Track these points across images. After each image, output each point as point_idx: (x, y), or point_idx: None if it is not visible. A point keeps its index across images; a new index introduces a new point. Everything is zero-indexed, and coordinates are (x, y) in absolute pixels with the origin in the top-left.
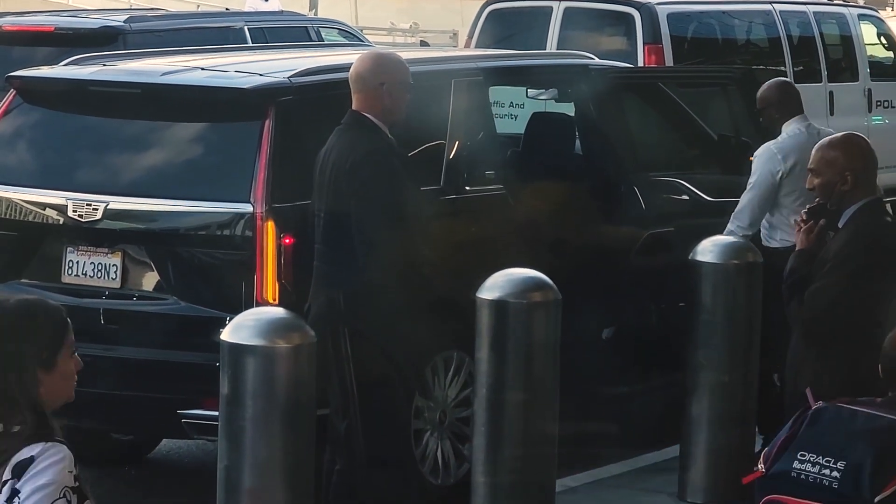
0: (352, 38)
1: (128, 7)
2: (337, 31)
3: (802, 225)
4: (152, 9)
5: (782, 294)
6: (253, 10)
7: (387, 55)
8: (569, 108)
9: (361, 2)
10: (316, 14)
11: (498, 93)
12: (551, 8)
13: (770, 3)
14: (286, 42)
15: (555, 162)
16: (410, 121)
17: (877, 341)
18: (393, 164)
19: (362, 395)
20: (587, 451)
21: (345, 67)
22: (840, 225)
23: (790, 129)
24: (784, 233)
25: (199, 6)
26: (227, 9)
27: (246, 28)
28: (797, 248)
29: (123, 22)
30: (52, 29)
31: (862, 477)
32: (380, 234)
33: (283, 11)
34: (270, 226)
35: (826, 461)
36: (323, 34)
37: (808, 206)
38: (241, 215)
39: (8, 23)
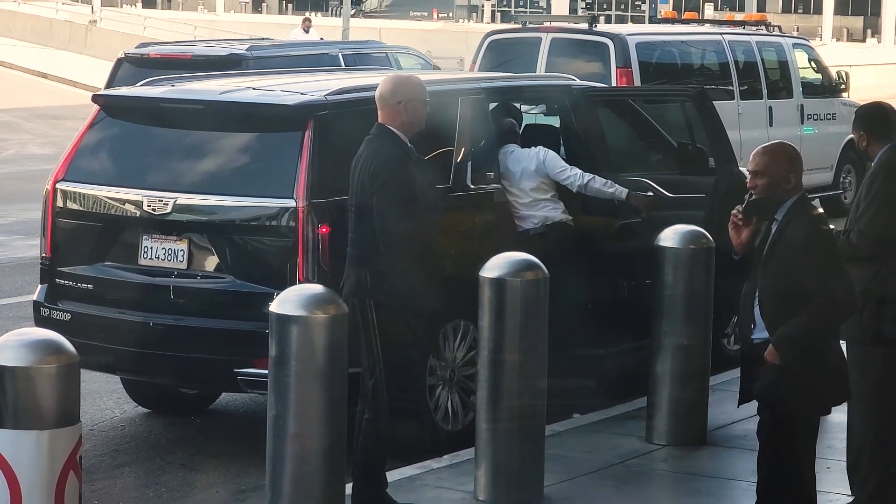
0: (423, 61)
1: (247, 38)
2: (413, 56)
3: (738, 220)
4: (263, 39)
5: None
6: (296, 40)
7: (406, 78)
8: (555, 121)
9: (385, 33)
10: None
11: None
12: (540, 38)
13: (720, 34)
14: (371, 66)
15: None
16: (426, 130)
17: None
18: (408, 167)
19: (386, 357)
20: (571, 402)
21: (371, 87)
22: (778, 216)
23: None
24: None
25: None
26: (321, 38)
27: (340, 54)
28: (734, 243)
29: (245, 50)
30: (190, 56)
31: None
32: (396, 225)
33: (323, 39)
34: (310, 218)
35: None
36: (400, 59)
37: (746, 202)
38: (286, 209)
39: (154, 51)
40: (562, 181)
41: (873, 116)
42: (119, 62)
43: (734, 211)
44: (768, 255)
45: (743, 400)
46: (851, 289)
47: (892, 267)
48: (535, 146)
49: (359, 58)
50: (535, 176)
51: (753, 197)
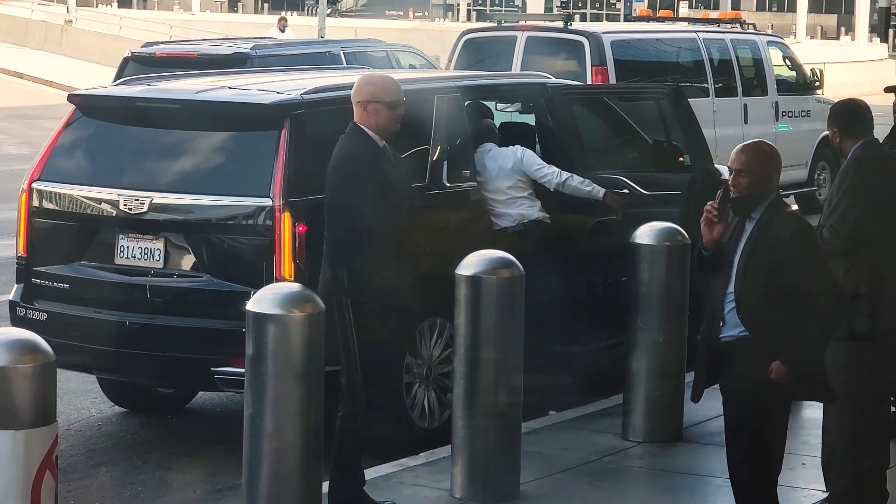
0: (423, 60)
1: (250, 37)
2: (411, 54)
3: (713, 216)
4: (265, 37)
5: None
6: (272, 38)
7: (372, 78)
8: (530, 119)
9: (361, 33)
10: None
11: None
12: (516, 37)
13: (695, 31)
14: (371, 63)
15: None
16: (401, 129)
17: None
18: (373, 165)
19: (362, 354)
20: (547, 399)
21: (347, 87)
22: (755, 214)
23: None
24: None
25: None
26: (321, 36)
27: (342, 52)
28: (706, 239)
29: (250, 49)
30: (196, 55)
31: None
32: (362, 222)
33: (323, 37)
34: (287, 216)
35: None
36: (400, 58)
37: (723, 198)
38: (263, 208)
39: (161, 50)
40: (539, 179)
41: (847, 113)
42: (125, 61)
43: (708, 206)
44: (750, 253)
45: (699, 395)
46: (839, 284)
47: (863, 262)
48: (513, 145)
49: (359, 55)
50: (513, 174)
51: (734, 194)
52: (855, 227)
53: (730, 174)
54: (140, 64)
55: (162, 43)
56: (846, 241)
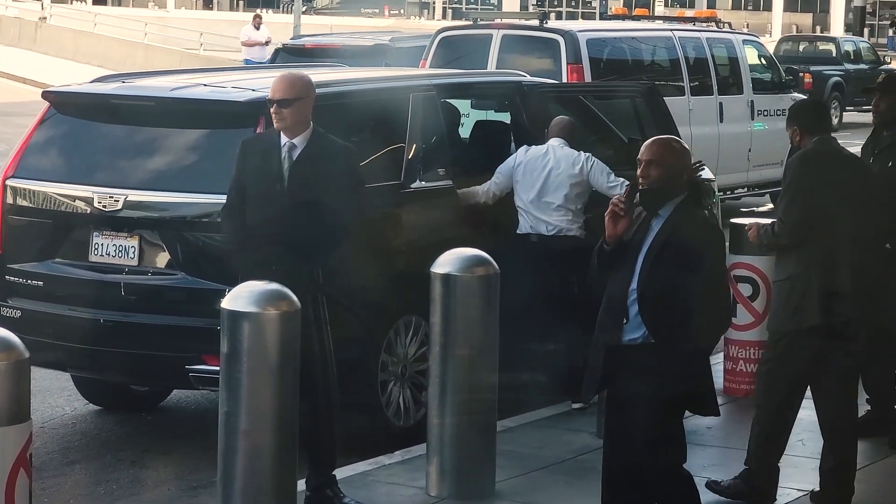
0: None
1: (389, 30)
2: None
3: (620, 210)
4: (395, 32)
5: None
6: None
7: None
8: (505, 117)
9: (336, 30)
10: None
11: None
12: (491, 35)
13: (670, 30)
14: None
15: (494, 160)
16: (377, 127)
17: None
18: (238, 160)
19: (337, 352)
20: (522, 397)
21: (319, 85)
22: (664, 213)
23: None
24: None
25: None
26: (394, 35)
27: None
28: (609, 233)
29: (388, 41)
30: (340, 46)
31: None
32: (332, 220)
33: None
34: None
35: None
36: None
37: (630, 191)
38: None
39: (309, 42)
40: (609, 193)
41: (806, 112)
42: (277, 51)
43: (615, 199)
44: (659, 252)
45: (592, 395)
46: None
47: (811, 253)
48: (583, 152)
49: None
50: (573, 183)
51: (643, 186)
52: (800, 219)
53: (638, 166)
54: (289, 54)
55: (310, 36)
56: (790, 234)
